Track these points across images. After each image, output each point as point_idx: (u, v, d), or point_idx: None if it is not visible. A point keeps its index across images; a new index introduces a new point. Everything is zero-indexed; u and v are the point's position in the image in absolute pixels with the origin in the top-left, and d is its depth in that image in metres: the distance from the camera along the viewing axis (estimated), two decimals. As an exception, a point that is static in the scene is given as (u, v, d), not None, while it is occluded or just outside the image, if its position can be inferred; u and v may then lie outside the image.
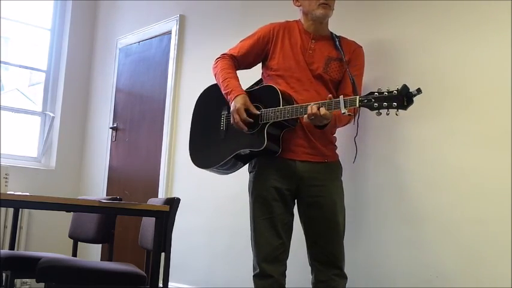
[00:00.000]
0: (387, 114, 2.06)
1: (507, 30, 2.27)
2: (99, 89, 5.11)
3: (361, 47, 2.61)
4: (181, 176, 3.99)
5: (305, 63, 2.49)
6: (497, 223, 2.21)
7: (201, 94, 2.72)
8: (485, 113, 2.32)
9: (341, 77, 2.52)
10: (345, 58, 2.49)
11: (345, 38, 2.59)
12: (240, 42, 2.64)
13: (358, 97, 2.12)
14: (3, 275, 3.06)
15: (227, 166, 2.55)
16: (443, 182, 2.42)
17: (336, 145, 2.55)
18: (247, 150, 2.42)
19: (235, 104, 2.39)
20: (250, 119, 2.37)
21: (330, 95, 2.24)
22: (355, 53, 2.56)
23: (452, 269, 2.34)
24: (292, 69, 2.48)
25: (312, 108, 2.20)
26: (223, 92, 2.50)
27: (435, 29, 2.53)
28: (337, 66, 2.50)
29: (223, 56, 2.62)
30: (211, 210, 3.66)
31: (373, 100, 2.07)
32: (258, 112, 2.38)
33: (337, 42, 2.52)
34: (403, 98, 2.01)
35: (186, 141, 3.92)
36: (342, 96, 2.17)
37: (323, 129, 2.34)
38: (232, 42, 3.73)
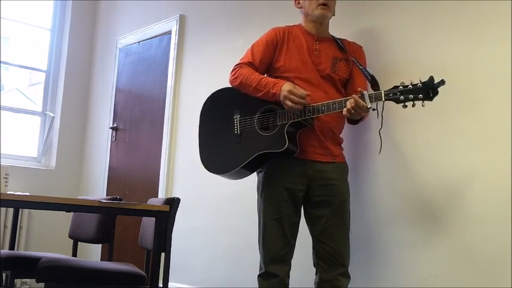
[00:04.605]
0: (413, 106, 2.09)
1: (507, 30, 2.26)
2: (99, 89, 5.11)
3: (362, 47, 2.64)
4: (181, 176, 3.99)
5: (312, 63, 2.50)
6: (497, 223, 2.21)
7: (208, 100, 2.66)
8: (487, 113, 2.32)
9: (348, 75, 2.56)
10: (351, 57, 2.52)
11: (345, 39, 2.62)
12: (250, 51, 2.57)
13: (383, 91, 2.15)
14: (3, 275, 3.06)
15: (245, 170, 2.49)
16: (444, 182, 2.42)
17: (342, 147, 2.57)
18: (267, 152, 2.38)
19: (284, 88, 2.33)
20: (306, 94, 2.32)
21: (360, 89, 2.25)
22: (357, 52, 2.60)
23: (452, 269, 2.34)
24: (299, 70, 2.48)
25: (351, 102, 2.21)
26: (261, 93, 2.42)
27: (437, 29, 2.53)
28: (344, 65, 2.54)
29: (241, 65, 2.53)
30: (211, 210, 3.66)
31: (398, 93, 2.11)
32: (307, 92, 2.32)
33: (340, 43, 2.55)
34: (429, 90, 2.05)
35: (186, 141, 3.97)
36: (365, 91, 2.20)
37: (357, 123, 2.48)
38: (232, 42, 3.73)
